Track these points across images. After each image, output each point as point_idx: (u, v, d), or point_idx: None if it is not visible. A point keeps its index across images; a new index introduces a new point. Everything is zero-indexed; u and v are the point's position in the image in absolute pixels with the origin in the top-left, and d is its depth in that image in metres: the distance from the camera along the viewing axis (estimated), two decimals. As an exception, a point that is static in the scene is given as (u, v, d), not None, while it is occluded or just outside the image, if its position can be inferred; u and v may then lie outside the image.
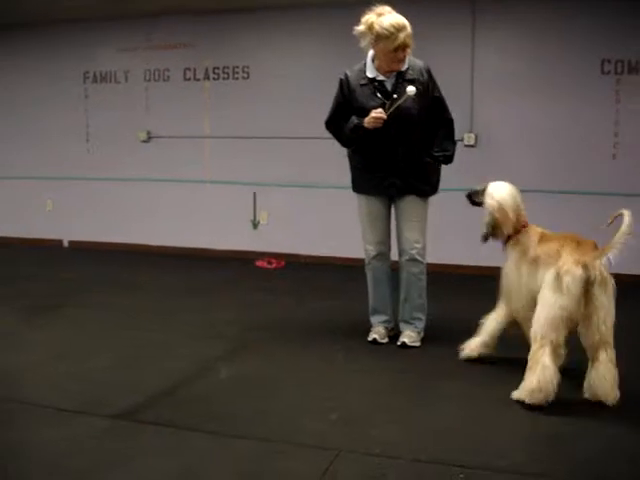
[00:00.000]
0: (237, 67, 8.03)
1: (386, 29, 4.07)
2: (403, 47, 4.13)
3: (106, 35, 8.45)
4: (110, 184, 8.60)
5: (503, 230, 3.96)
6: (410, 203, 4.48)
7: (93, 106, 8.64)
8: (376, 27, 4.10)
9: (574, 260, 3.43)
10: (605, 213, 3.55)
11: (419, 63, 4.37)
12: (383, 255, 4.61)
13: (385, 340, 4.58)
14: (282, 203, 7.92)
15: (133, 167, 8.49)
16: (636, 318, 5.05)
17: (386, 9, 4.16)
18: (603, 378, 3.44)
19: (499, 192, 4.02)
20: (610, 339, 3.47)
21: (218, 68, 8.10)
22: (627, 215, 3.38)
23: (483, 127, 7.21)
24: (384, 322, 4.66)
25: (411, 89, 4.16)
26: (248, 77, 8.00)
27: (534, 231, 3.93)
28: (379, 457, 2.91)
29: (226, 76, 8.09)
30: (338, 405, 3.48)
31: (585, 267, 3.40)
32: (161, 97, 8.32)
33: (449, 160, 4.47)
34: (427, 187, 4.49)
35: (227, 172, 8.13)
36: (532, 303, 3.67)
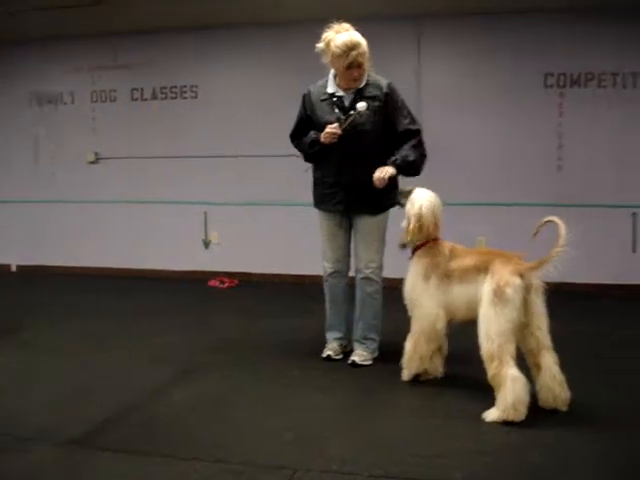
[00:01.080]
0: (185, 87, 8.01)
1: (339, 47, 4.10)
2: (356, 65, 4.16)
3: (52, 56, 8.36)
4: (58, 206, 8.48)
5: (413, 238, 3.99)
6: (364, 221, 4.45)
7: (40, 128, 8.52)
8: (331, 45, 4.14)
9: (510, 271, 3.49)
10: (551, 224, 3.59)
11: (381, 80, 4.39)
12: (340, 273, 4.60)
13: (339, 357, 4.57)
14: (233, 222, 7.90)
15: (81, 189, 8.39)
16: (572, 325, 5.20)
17: (344, 27, 4.19)
18: (551, 383, 3.49)
19: (421, 199, 4.02)
20: (549, 343, 3.54)
21: (166, 88, 8.07)
22: (561, 226, 3.42)
23: (430, 141, 7.26)
24: (339, 339, 4.65)
25: (361, 105, 4.18)
26: (196, 97, 7.98)
27: (445, 245, 3.96)
28: (336, 474, 2.90)
29: (174, 96, 8.06)
30: (294, 424, 3.47)
31: (522, 276, 3.47)
32: (108, 118, 8.25)
33: (411, 166, 4.28)
34: (380, 204, 4.40)
35: (177, 192, 8.08)
36: (443, 315, 3.83)
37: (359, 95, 4.30)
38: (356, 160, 4.33)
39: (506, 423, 3.35)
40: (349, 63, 4.13)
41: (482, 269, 3.64)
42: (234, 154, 7.74)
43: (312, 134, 4.39)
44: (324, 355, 4.57)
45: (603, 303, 6.50)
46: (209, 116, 7.89)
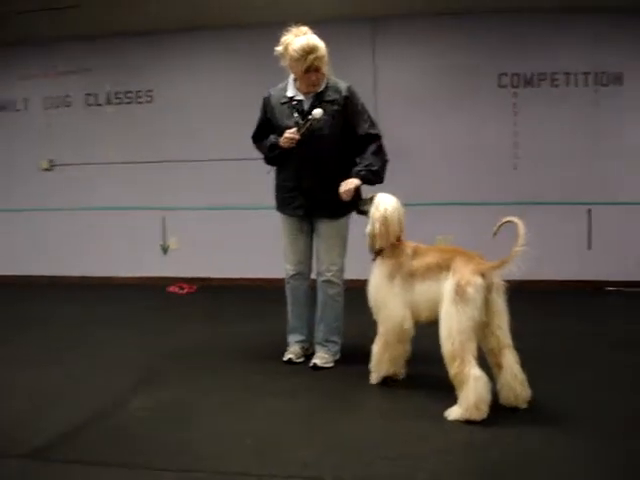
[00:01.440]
0: (140, 91, 7.95)
1: (296, 51, 4.08)
2: (314, 69, 4.14)
3: (3, 63, 8.24)
4: (13, 215, 8.35)
5: (381, 242, 3.98)
6: (325, 224, 4.45)
7: (-9, 135, 8.39)
8: (289, 49, 4.13)
9: (471, 270, 3.50)
10: (510, 224, 3.62)
11: (341, 83, 4.37)
12: (302, 275, 4.59)
13: (301, 359, 4.56)
14: (192, 227, 7.86)
15: (36, 197, 8.27)
16: (530, 322, 5.26)
17: (302, 30, 4.17)
18: (512, 381, 3.51)
19: (386, 204, 4.02)
20: (510, 341, 3.56)
21: (120, 92, 8.00)
22: (520, 225, 3.44)
23: (386, 143, 7.29)
24: (300, 341, 4.64)
25: (317, 112, 4.18)
26: (152, 101, 7.92)
27: (408, 244, 3.97)
28: (298, 479, 2.89)
29: (129, 100, 7.99)
30: (257, 430, 3.44)
31: (483, 275, 3.49)
32: (63, 124, 8.15)
33: (376, 175, 4.26)
34: (340, 208, 4.34)
35: (134, 197, 8.02)
36: (409, 315, 3.83)
37: (318, 99, 4.29)
38: (315, 164, 4.32)
39: (468, 422, 3.37)
40: (307, 67, 4.11)
41: (444, 267, 3.64)
42: (191, 158, 7.69)
43: (272, 138, 4.39)
44: (285, 358, 4.55)
45: (560, 299, 6.59)
46: (165, 121, 7.83)
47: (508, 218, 3.53)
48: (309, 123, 4.20)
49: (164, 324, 5.97)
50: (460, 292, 3.45)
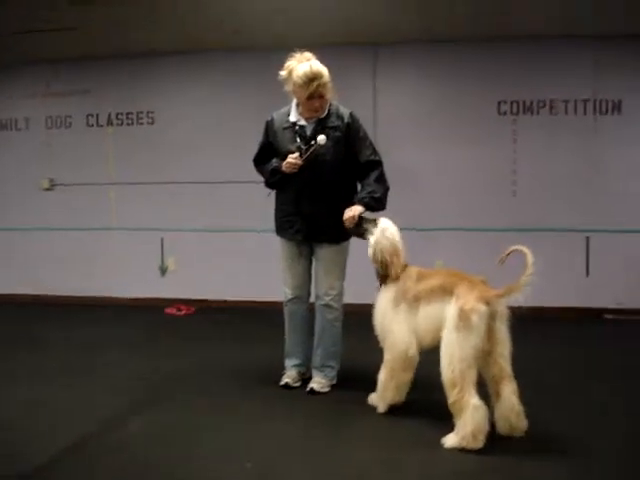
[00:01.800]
0: (141, 113, 7.98)
1: (300, 77, 4.11)
2: (318, 96, 4.18)
3: (5, 82, 8.28)
4: (12, 234, 8.35)
5: (391, 271, 3.97)
6: (325, 249, 4.46)
7: (-8, 154, 8.42)
8: (293, 74, 4.15)
9: (476, 297, 3.47)
10: (507, 249, 3.60)
11: (343, 110, 4.39)
12: (300, 299, 4.58)
13: (298, 384, 4.55)
14: (190, 248, 7.85)
15: (36, 216, 8.27)
16: (528, 349, 5.28)
17: (306, 56, 4.20)
18: (509, 413, 3.51)
19: (391, 232, 4.05)
20: (510, 371, 3.55)
21: (122, 114, 8.03)
22: (528, 254, 3.43)
23: (386, 169, 7.31)
24: (297, 366, 4.63)
25: (321, 138, 4.19)
26: (153, 123, 7.95)
27: (412, 269, 3.97)
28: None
29: (130, 122, 8.02)
30: (254, 453, 3.44)
31: (488, 303, 3.46)
32: (64, 144, 8.17)
33: (378, 202, 4.26)
34: (340, 233, 4.35)
35: (133, 218, 8.02)
36: (410, 339, 3.80)
37: (321, 125, 4.31)
38: (316, 190, 4.34)
39: (464, 450, 3.36)
40: (310, 94, 4.15)
41: (447, 290, 3.61)
42: (191, 180, 7.71)
43: (274, 162, 4.40)
44: (282, 383, 4.54)
45: (558, 327, 6.58)
46: (166, 142, 7.85)
47: (516, 247, 3.51)
48: (312, 149, 4.21)
49: (161, 346, 5.96)
50: (463, 319, 3.42)
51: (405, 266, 4.00)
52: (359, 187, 4.38)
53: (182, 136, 7.77)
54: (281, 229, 4.55)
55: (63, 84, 8.11)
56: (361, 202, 4.21)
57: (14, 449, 3.54)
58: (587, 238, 7.06)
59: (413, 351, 3.84)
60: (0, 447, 3.57)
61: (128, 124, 8.02)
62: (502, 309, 3.50)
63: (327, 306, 4.48)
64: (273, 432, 3.76)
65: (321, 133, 4.24)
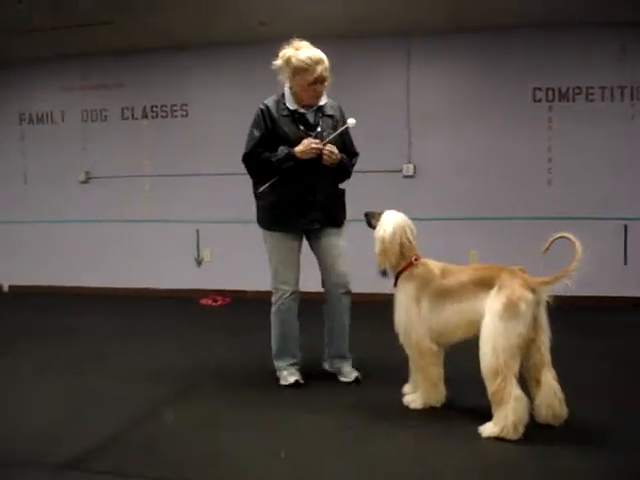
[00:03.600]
0: (175, 105, 8.03)
1: (303, 62, 4.06)
2: (321, 80, 4.12)
3: (41, 76, 8.40)
4: (50, 226, 8.47)
5: (384, 261, 3.91)
6: (332, 236, 4.43)
7: (30, 148, 8.53)
8: (293, 60, 4.09)
9: (522, 285, 3.43)
10: (542, 237, 3.58)
11: (332, 101, 4.39)
12: (297, 293, 4.50)
13: (302, 380, 4.44)
14: (226, 239, 7.90)
15: (73, 208, 8.39)
16: (564, 338, 5.23)
17: (304, 43, 4.15)
18: (552, 400, 3.46)
19: (388, 222, 3.94)
20: (549, 358, 3.51)
21: (156, 107, 8.09)
22: (576, 241, 3.42)
23: (421, 158, 7.33)
24: (295, 364, 4.53)
25: (351, 121, 4.21)
26: (187, 115, 8.00)
27: (432, 264, 3.88)
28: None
29: (165, 114, 8.08)
30: (287, 444, 3.44)
31: (534, 291, 3.43)
32: (99, 137, 8.27)
33: (346, 170, 4.42)
34: (342, 218, 4.48)
35: (168, 210, 8.09)
36: (434, 335, 3.75)
37: (320, 112, 4.31)
38: (326, 176, 4.32)
39: (501, 440, 3.34)
40: (315, 78, 4.08)
41: (485, 284, 3.56)
42: (226, 172, 7.73)
43: (284, 149, 4.20)
44: (290, 382, 4.39)
45: (595, 316, 6.51)
46: (200, 134, 7.91)
47: (563, 234, 3.49)
48: (338, 131, 4.21)
49: (197, 337, 6.01)
50: (510, 307, 3.38)
51: (418, 259, 3.91)
52: None
53: (216, 128, 7.80)
54: (283, 223, 4.39)
55: (98, 78, 8.20)
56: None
57: (49, 439, 3.59)
58: (625, 226, 6.97)
59: (436, 346, 3.80)
60: (36, 437, 3.62)
61: (163, 117, 8.08)
62: (545, 297, 3.46)
63: (347, 293, 4.45)
64: (307, 425, 3.76)
65: (324, 120, 4.27)
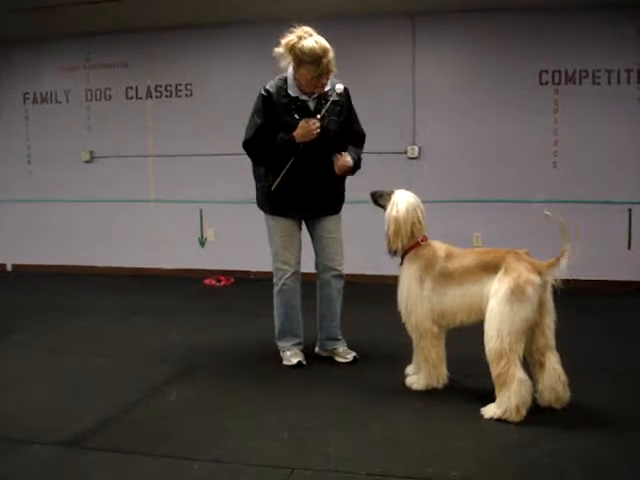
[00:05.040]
0: (180, 85, 8.01)
1: (308, 55, 3.94)
2: (325, 72, 4.03)
3: (45, 55, 8.37)
4: (53, 205, 8.48)
5: (398, 242, 3.90)
6: (330, 220, 4.45)
7: (34, 127, 8.52)
8: (297, 52, 3.97)
9: (528, 268, 3.43)
10: (547, 220, 3.54)
11: (338, 84, 4.20)
12: (298, 274, 4.51)
13: (305, 362, 4.46)
14: (229, 220, 7.90)
15: (76, 188, 8.38)
16: (567, 322, 5.25)
17: (307, 31, 4.01)
18: (556, 383, 3.47)
19: (401, 201, 3.92)
20: (554, 342, 3.52)
21: (160, 86, 8.06)
22: (562, 220, 3.42)
23: (426, 139, 7.31)
24: (298, 344, 4.55)
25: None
26: (191, 94, 7.98)
27: (438, 246, 3.87)
28: (333, 473, 2.89)
29: (169, 94, 8.05)
30: (289, 423, 3.46)
31: (540, 274, 3.43)
32: (103, 117, 8.25)
33: (357, 167, 4.35)
34: (340, 203, 4.50)
35: (172, 190, 8.09)
36: (435, 317, 3.76)
37: (323, 99, 4.21)
38: (324, 163, 4.29)
39: (503, 422, 3.35)
40: (319, 72, 3.99)
41: (490, 267, 3.56)
42: (230, 152, 7.71)
43: (284, 136, 4.15)
44: (293, 362, 4.41)
45: (599, 300, 6.51)
46: (204, 114, 7.88)
47: (547, 212, 3.52)
48: (329, 103, 4.16)
49: (200, 316, 6.03)
50: (518, 291, 3.37)
51: (425, 240, 3.91)
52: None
53: (220, 108, 7.78)
54: (284, 208, 4.38)
55: (102, 57, 8.17)
56: (352, 158, 4.28)
57: (53, 416, 3.61)
58: (629, 210, 6.95)
59: (438, 329, 3.81)
60: (37, 415, 3.65)
61: (167, 96, 8.05)
62: (550, 280, 3.47)
63: (339, 276, 4.48)
64: (311, 403, 3.78)
65: (324, 106, 4.18)
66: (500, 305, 3.41)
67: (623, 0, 6.58)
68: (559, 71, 7.00)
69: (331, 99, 4.17)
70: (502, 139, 7.15)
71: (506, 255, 3.56)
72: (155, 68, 8.02)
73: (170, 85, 8.03)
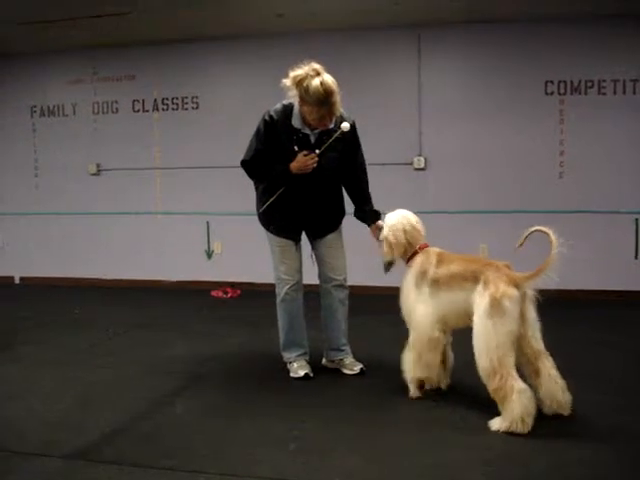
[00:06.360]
0: (186, 97, 8.04)
1: (311, 96, 3.90)
2: (330, 114, 4.00)
3: (53, 68, 8.41)
4: (61, 218, 8.50)
5: (396, 251, 4.02)
6: (330, 235, 4.48)
7: (41, 140, 8.56)
8: (302, 90, 3.93)
9: (505, 281, 3.45)
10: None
11: (345, 122, 4.10)
12: (299, 284, 4.52)
13: (312, 374, 4.45)
14: (236, 232, 7.90)
15: (83, 201, 8.41)
16: (573, 332, 5.27)
17: (316, 69, 3.93)
18: (553, 388, 3.47)
19: (391, 220, 4.08)
20: (543, 348, 3.52)
21: (167, 99, 8.09)
22: (550, 233, 3.41)
23: (432, 150, 7.31)
24: (303, 354, 4.56)
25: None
26: (197, 107, 8.01)
27: (432, 252, 3.94)
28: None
29: (175, 107, 8.08)
30: (296, 436, 3.45)
31: (518, 286, 3.44)
32: (110, 129, 8.28)
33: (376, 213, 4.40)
34: (340, 220, 4.52)
35: (179, 203, 8.11)
36: (434, 320, 3.79)
37: (325, 135, 4.16)
38: (322, 193, 4.35)
39: (511, 433, 3.34)
40: (323, 112, 3.97)
41: (470, 277, 3.60)
42: (236, 165, 7.71)
43: (279, 167, 4.19)
44: (300, 375, 4.42)
45: (606, 310, 6.48)
46: (211, 127, 7.91)
47: (537, 227, 3.52)
48: (332, 139, 4.12)
49: (207, 328, 6.02)
50: (496, 305, 3.39)
51: (424, 247, 4.00)
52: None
53: (227, 120, 7.80)
54: (285, 231, 4.42)
55: (109, 70, 8.21)
56: (377, 218, 4.30)
57: (60, 429, 3.61)
58: (636, 220, 6.93)
59: (436, 332, 3.82)
60: (44, 427, 3.64)
61: (173, 109, 8.08)
62: (530, 291, 3.48)
63: (341, 286, 4.49)
64: (317, 416, 3.77)
65: (323, 144, 4.15)
66: (482, 321, 3.44)
67: (630, 11, 6.58)
68: (564, 81, 7.01)
69: (334, 136, 4.13)
70: (508, 150, 7.15)
71: (485, 268, 3.58)
72: (162, 81, 8.05)
73: (177, 98, 8.06)
